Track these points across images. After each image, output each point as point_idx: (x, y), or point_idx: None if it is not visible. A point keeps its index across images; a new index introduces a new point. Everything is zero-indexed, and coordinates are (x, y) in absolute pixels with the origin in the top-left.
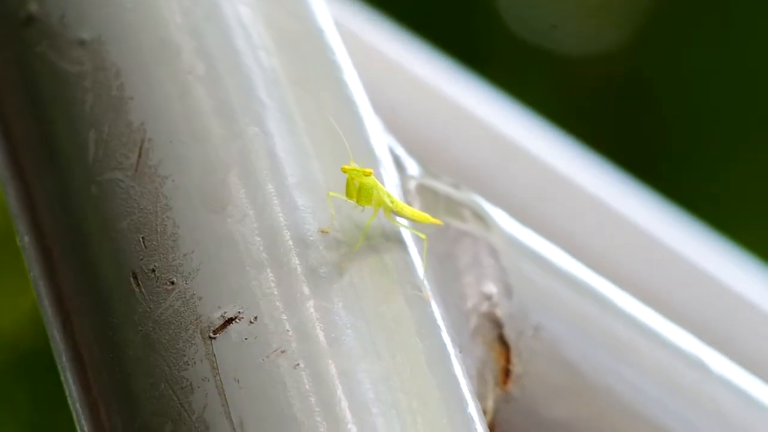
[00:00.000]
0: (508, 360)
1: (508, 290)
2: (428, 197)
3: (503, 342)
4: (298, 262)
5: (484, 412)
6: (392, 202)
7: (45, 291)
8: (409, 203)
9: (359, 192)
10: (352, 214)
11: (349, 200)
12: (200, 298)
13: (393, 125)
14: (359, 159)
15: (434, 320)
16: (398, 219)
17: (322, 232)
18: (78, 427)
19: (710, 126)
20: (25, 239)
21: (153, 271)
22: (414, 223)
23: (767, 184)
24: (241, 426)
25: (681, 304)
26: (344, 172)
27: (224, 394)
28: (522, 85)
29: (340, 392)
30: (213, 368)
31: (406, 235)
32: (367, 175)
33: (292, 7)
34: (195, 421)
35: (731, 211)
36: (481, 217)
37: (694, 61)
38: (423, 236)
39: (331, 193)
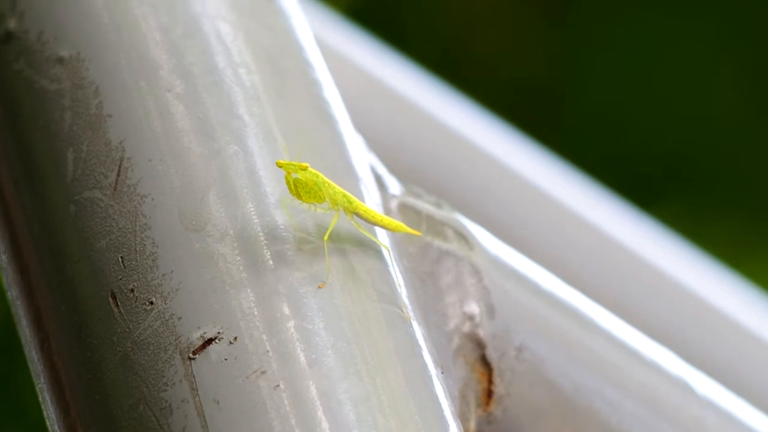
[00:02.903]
0: (490, 381)
1: (490, 310)
2: (410, 216)
3: (486, 363)
4: (278, 281)
5: None
6: (350, 202)
7: (23, 311)
8: None
9: (298, 188)
10: (318, 219)
11: (295, 200)
12: (179, 318)
13: (374, 143)
14: (339, 177)
15: (416, 341)
16: (361, 225)
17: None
18: None
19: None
20: (2, 258)
21: (132, 290)
22: (390, 232)
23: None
24: None
25: (665, 324)
26: (279, 167)
27: (204, 416)
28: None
29: (320, 413)
30: (192, 389)
31: (386, 252)
32: (303, 168)
33: (273, 24)
34: None
35: (717, 228)
36: (463, 237)
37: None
38: (385, 247)
39: (287, 199)
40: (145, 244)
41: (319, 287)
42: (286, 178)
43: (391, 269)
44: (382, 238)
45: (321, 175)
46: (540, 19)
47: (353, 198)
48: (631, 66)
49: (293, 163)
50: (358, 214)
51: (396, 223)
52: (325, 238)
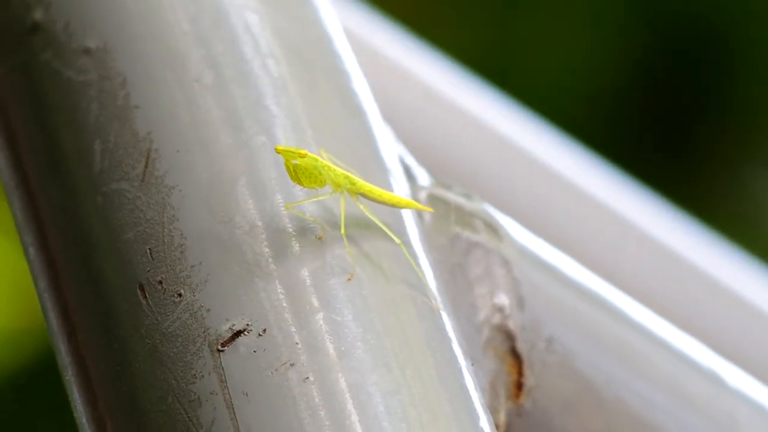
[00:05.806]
0: (520, 373)
1: (520, 302)
2: (439, 208)
3: (515, 354)
4: (307, 273)
5: (496, 426)
6: (353, 183)
7: (50, 303)
8: (421, 214)
9: (298, 174)
10: (332, 206)
11: (296, 185)
12: (208, 310)
13: (403, 134)
14: (368, 169)
15: (445, 332)
16: (369, 209)
17: (286, 207)
18: None
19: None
20: (30, 251)
21: (160, 282)
22: (399, 208)
23: None
24: None
25: (695, 316)
26: (277, 152)
27: (233, 408)
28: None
29: (350, 406)
30: (221, 381)
31: (417, 244)
32: (303, 156)
33: (301, 15)
34: None
35: (748, 220)
36: (492, 228)
37: None
38: (398, 240)
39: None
40: (173, 236)
41: (348, 279)
42: (286, 164)
43: (420, 261)
44: (398, 227)
45: (320, 159)
46: None
47: (356, 178)
48: None
49: (292, 149)
50: (363, 195)
51: (406, 200)
52: (342, 231)
